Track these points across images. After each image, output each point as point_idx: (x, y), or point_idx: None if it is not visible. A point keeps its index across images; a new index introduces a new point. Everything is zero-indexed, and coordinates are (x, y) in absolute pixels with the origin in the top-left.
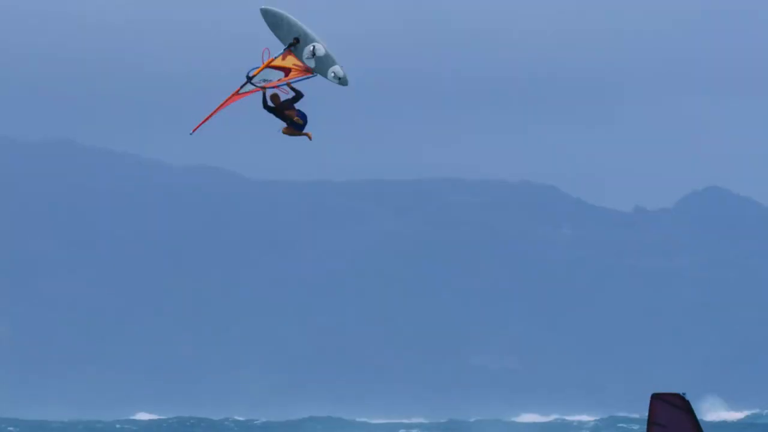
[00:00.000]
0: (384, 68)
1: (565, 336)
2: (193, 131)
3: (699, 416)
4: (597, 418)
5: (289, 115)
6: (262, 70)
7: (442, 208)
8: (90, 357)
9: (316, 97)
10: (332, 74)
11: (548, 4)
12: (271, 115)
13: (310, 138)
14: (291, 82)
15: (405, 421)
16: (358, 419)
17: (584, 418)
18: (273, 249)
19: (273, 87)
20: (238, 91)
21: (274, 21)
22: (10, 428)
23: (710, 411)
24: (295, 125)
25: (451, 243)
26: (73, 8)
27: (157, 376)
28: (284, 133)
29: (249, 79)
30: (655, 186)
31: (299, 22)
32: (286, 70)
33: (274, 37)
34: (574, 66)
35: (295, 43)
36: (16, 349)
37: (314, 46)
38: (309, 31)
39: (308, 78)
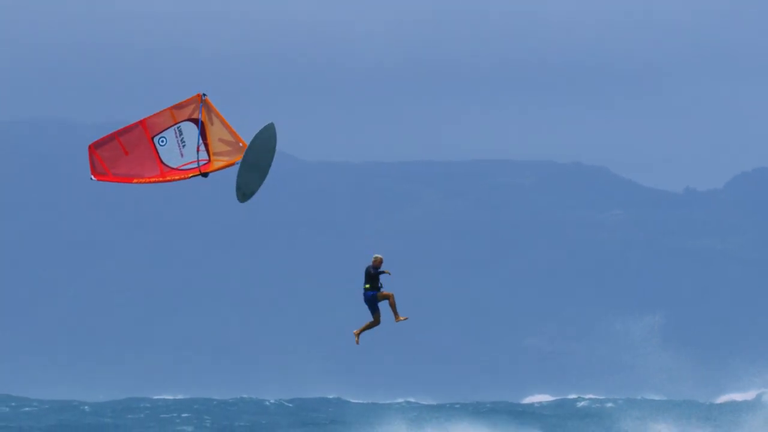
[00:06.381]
0: (432, 51)
1: (616, 317)
2: (96, 179)
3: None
4: (623, 398)
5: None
6: (222, 166)
7: (492, 189)
8: (143, 338)
9: (369, 81)
10: (241, 193)
11: None
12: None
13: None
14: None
15: (455, 401)
16: (410, 399)
17: (595, 396)
18: (324, 230)
19: (209, 171)
20: (180, 167)
21: (263, 143)
22: (85, 407)
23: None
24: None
25: (500, 224)
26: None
27: (211, 356)
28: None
29: (204, 174)
30: (706, 167)
31: (270, 160)
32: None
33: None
34: (624, 48)
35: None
36: (70, 331)
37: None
38: (267, 169)
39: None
